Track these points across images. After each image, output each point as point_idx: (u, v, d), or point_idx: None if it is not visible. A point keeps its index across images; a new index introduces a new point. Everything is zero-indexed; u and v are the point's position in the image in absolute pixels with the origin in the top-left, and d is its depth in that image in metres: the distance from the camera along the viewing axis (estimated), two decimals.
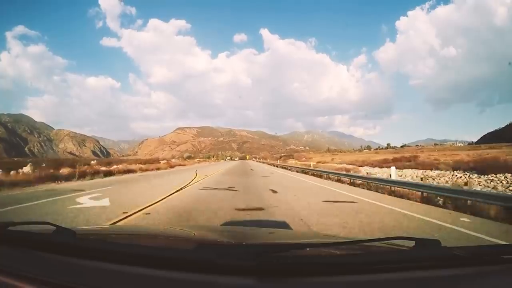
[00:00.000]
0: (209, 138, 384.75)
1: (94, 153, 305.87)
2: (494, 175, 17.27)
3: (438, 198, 7.57)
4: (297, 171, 24.66)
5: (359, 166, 30.22)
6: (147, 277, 0.83)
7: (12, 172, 14.77)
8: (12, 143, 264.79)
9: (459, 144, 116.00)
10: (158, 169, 28.82)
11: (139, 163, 31.92)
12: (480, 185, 15.07)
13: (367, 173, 19.17)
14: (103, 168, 20.43)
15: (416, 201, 7.88)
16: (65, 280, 0.82)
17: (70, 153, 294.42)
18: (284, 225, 4.73)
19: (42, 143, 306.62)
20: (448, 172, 21.72)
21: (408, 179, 18.05)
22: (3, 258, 0.97)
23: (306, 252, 0.99)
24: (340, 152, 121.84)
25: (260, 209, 6.44)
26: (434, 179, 18.19)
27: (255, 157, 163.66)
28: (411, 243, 0.97)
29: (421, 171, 23.83)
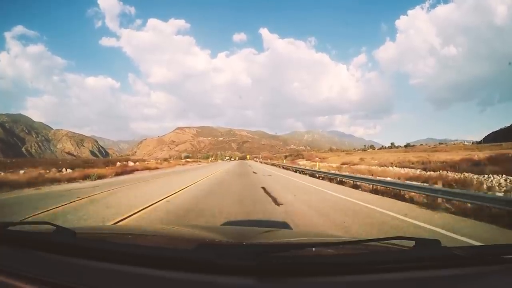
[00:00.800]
0: (209, 138, 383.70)
1: (92, 153, 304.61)
2: None
3: None
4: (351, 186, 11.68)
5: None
6: (147, 277, 0.83)
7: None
8: (9, 143, 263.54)
9: (465, 143, 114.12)
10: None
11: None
12: None
13: None
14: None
15: None
16: (65, 280, 0.82)
17: (68, 153, 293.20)
18: (284, 225, 4.71)
19: (40, 143, 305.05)
20: None
21: None
22: (3, 258, 0.97)
23: (306, 252, 0.99)
24: (345, 152, 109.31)
25: None
26: None
27: (256, 157, 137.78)
28: (411, 243, 0.98)
29: None
